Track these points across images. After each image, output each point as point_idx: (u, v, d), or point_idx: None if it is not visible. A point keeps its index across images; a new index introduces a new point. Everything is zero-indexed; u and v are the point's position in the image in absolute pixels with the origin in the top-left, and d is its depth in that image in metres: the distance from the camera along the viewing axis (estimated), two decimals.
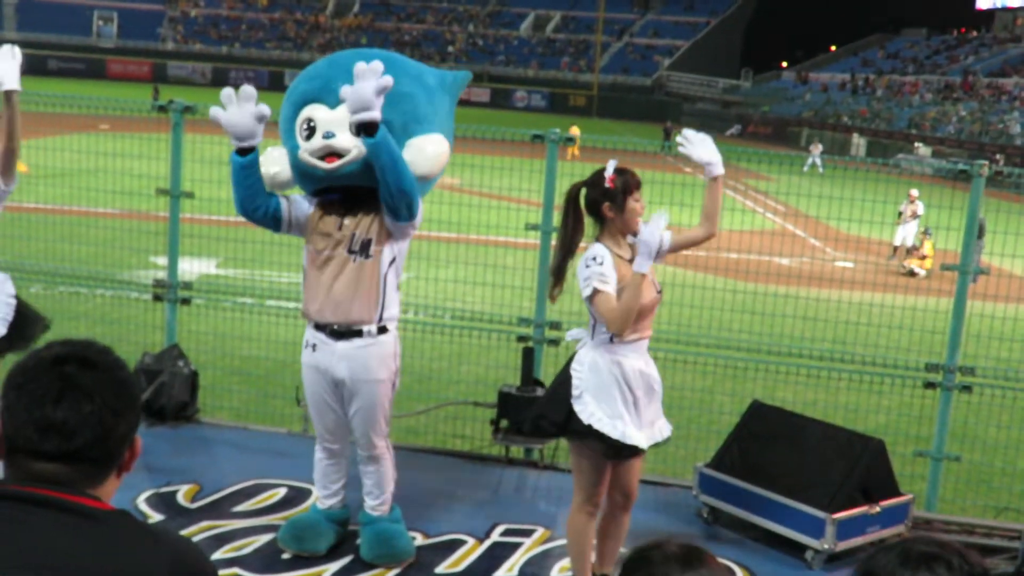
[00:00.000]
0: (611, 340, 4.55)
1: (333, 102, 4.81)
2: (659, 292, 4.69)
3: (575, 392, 4.55)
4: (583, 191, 4.64)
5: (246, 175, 4.81)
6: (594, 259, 4.47)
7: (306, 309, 5.03)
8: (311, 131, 4.85)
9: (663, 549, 2.11)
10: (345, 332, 4.94)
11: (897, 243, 19.22)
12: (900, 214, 18.63)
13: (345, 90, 4.55)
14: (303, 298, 5.07)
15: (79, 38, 76.15)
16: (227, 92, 4.69)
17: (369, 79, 4.48)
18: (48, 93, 7.89)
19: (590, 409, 4.51)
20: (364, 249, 4.88)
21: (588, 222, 4.69)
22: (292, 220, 4.97)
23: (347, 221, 4.90)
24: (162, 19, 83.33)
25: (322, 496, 5.36)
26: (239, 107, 4.66)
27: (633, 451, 4.61)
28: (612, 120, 63.20)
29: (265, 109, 4.68)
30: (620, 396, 4.53)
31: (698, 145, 4.76)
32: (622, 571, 2.19)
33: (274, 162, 5.02)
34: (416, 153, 4.84)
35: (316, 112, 4.85)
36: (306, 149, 4.85)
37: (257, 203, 4.88)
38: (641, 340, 4.63)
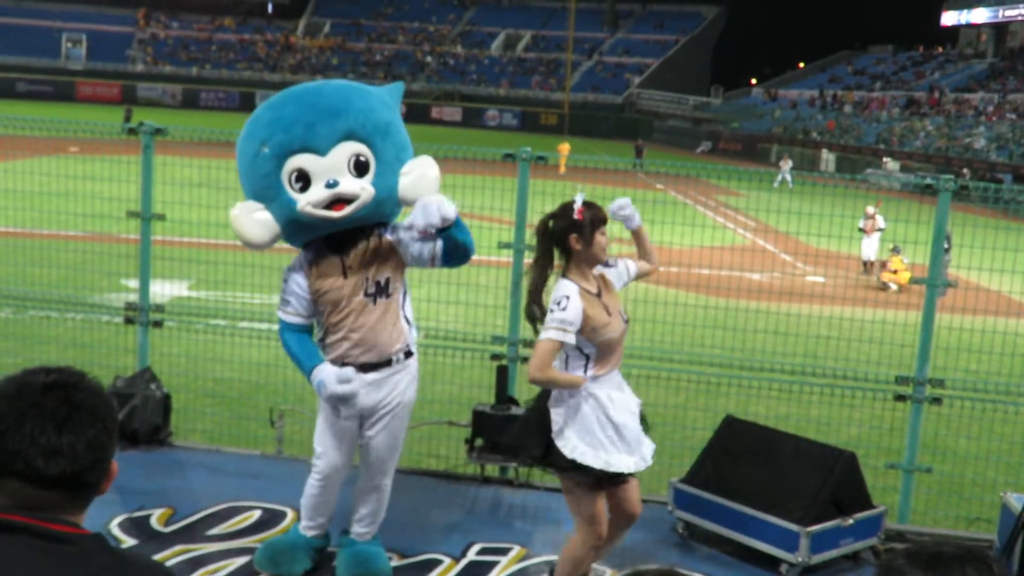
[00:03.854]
0: (584, 372, 4.59)
1: (324, 148, 4.66)
2: (626, 322, 4.75)
3: (555, 428, 4.58)
4: (550, 223, 4.64)
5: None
6: (558, 304, 4.47)
7: (329, 355, 4.94)
8: (305, 182, 4.69)
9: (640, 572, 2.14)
10: (374, 364, 4.95)
11: (866, 258, 19.46)
12: (861, 230, 18.86)
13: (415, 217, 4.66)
14: (325, 343, 4.97)
15: (48, 60, 75.72)
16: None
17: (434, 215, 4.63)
18: (16, 116, 7.85)
19: (572, 443, 4.55)
20: (383, 290, 4.86)
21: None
22: (313, 312, 4.95)
23: (350, 268, 4.82)
24: (131, 41, 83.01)
25: (307, 525, 5.31)
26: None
27: (620, 477, 4.65)
28: (583, 138, 63.41)
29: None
30: (599, 427, 4.56)
31: (628, 208, 4.95)
32: None
33: (252, 228, 4.82)
34: (420, 180, 4.82)
35: (307, 162, 4.67)
36: (308, 201, 4.66)
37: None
38: (611, 372, 4.68)
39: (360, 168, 4.73)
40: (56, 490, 1.87)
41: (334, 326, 4.89)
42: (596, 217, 4.58)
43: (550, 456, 4.62)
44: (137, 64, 79.84)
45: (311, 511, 5.27)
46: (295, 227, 4.80)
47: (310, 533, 5.30)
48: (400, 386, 5.02)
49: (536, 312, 4.61)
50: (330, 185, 4.64)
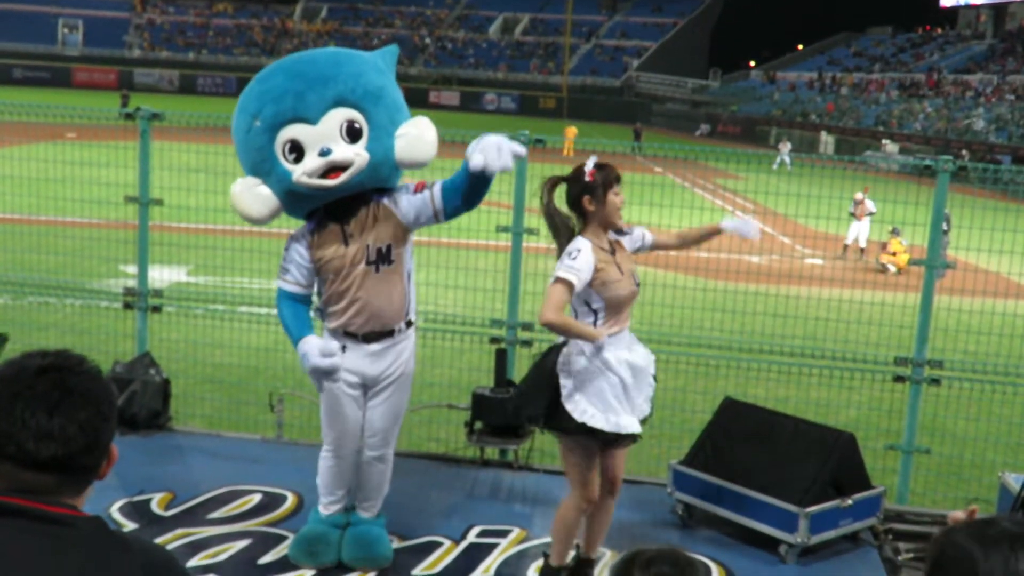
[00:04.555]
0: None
1: (314, 116, 4.64)
2: (637, 285, 4.79)
3: (564, 391, 4.62)
4: (563, 187, 4.71)
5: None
6: (569, 254, 4.55)
7: (331, 323, 4.97)
8: (298, 152, 4.67)
9: (642, 555, 2.15)
10: (377, 334, 4.95)
11: (848, 241, 19.44)
12: (852, 215, 18.89)
13: (489, 158, 4.60)
14: (327, 312, 4.98)
15: (44, 46, 75.46)
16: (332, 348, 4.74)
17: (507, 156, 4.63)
18: (13, 102, 7.83)
19: (582, 407, 4.59)
20: (385, 257, 4.83)
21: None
22: (312, 282, 4.95)
23: (351, 235, 4.81)
24: (128, 26, 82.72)
25: (327, 502, 5.32)
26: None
27: (629, 437, 4.71)
28: (582, 122, 63.29)
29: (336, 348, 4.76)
30: (610, 388, 4.60)
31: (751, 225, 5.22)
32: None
33: (251, 203, 4.80)
34: (416, 141, 4.79)
35: (299, 132, 4.66)
36: (303, 172, 4.65)
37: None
38: (622, 332, 4.72)
39: (353, 134, 4.70)
40: (50, 473, 1.87)
41: (337, 295, 4.88)
42: (608, 178, 4.63)
43: (555, 419, 4.66)
44: (134, 50, 79.59)
45: (329, 487, 5.28)
46: (293, 198, 4.79)
47: (332, 510, 5.30)
48: (403, 356, 5.03)
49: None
50: (323, 153, 4.62)
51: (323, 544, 5.23)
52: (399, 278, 4.91)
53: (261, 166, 4.77)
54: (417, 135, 4.80)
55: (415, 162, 4.83)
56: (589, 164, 4.64)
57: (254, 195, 4.79)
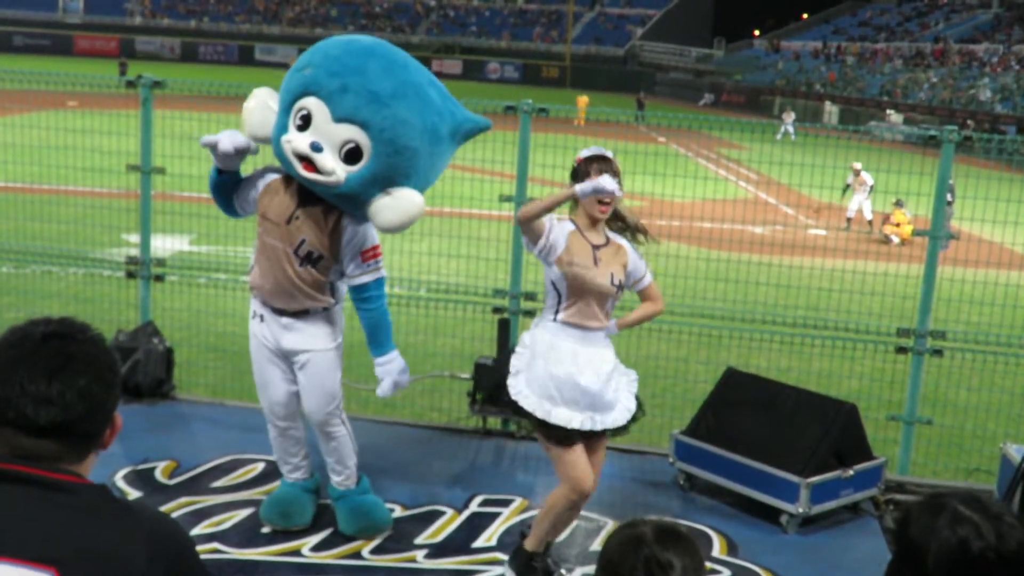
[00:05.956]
0: (554, 319, 4.58)
1: (339, 114, 4.50)
2: (617, 288, 4.63)
3: (512, 370, 4.60)
4: None
5: (219, 193, 4.98)
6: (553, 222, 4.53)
7: (253, 282, 4.97)
8: (305, 124, 4.58)
9: (645, 534, 2.13)
10: (290, 311, 4.92)
11: (851, 214, 19.40)
12: (848, 187, 18.85)
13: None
14: (251, 265, 5.00)
15: (45, 14, 75.09)
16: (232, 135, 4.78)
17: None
18: (14, 70, 7.80)
19: (519, 387, 4.55)
20: (313, 261, 4.77)
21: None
22: (246, 209, 5.01)
23: (297, 218, 4.74)
24: None
25: (285, 471, 5.32)
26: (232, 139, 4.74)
27: (577, 434, 4.55)
28: (585, 91, 63.04)
29: (252, 147, 4.80)
30: (550, 375, 4.51)
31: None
32: (605, 550, 2.20)
33: (256, 120, 4.74)
34: (395, 208, 4.64)
35: (317, 112, 4.53)
36: (291, 141, 4.57)
37: (230, 210, 5.08)
38: (586, 330, 4.58)
39: (349, 157, 4.56)
40: (50, 439, 1.88)
41: (262, 255, 4.85)
42: (587, 168, 4.56)
43: (500, 395, 4.64)
44: (135, 17, 79.15)
45: (280, 457, 5.30)
46: (275, 149, 4.74)
47: (293, 477, 5.30)
48: (318, 333, 4.95)
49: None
50: (314, 147, 4.52)
51: (293, 506, 5.24)
52: (322, 279, 4.84)
53: (282, 103, 4.70)
54: (401, 206, 4.64)
55: (378, 222, 4.71)
56: (584, 151, 4.62)
57: (266, 116, 4.74)
